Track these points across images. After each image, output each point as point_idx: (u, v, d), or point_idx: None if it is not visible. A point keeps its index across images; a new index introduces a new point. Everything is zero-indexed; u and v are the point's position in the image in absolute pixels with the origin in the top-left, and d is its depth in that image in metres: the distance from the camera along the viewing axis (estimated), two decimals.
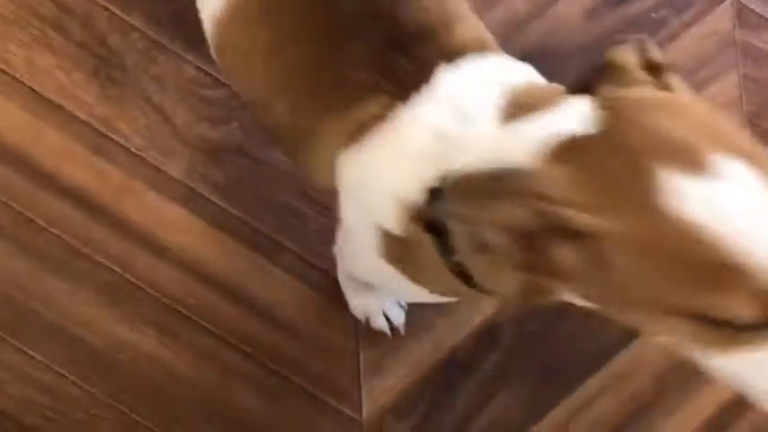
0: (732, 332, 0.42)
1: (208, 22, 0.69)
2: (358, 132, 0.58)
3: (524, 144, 0.46)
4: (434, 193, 0.51)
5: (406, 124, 0.56)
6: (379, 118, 0.57)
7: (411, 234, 0.57)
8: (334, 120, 0.60)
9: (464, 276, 0.54)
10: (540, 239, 0.42)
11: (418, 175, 0.54)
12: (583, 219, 0.41)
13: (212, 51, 0.71)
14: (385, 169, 0.58)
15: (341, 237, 0.77)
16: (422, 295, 0.66)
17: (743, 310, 0.40)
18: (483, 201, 0.44)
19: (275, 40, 0.63)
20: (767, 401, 0.46)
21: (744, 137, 0.43)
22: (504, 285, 0.50)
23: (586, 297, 0.46)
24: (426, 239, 0.53)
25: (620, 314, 0.47)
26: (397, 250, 0.61)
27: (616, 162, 0.42)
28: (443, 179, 0.50)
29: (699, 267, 0.40)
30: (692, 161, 0.41)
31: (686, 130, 0.42)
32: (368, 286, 0.91)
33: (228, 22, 0.65)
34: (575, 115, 0.46)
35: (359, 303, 1.00)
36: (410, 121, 0.56)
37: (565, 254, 0.42)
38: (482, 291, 0.55)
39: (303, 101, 0.63)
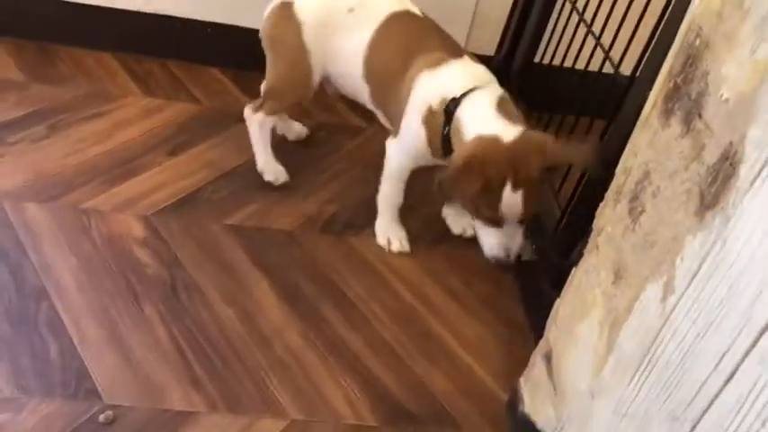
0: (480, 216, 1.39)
1: (355, 56, 1.54)
2: (432, 64, 1.45)
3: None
4: (454, 99, 1.40)
5: (455, 70, 1.45)
6: (443, 60, 1.46)
7: (438, 110, 1.42)
8: (421, 58, 1.47)
9: (444, 145, 1.43)
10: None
11: (455, 87, 1.42)
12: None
13: (361, 65, 1.54)
14: (445, 80, 1.44)
15: (404, 128, 1.50)
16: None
17: (485, 221, 1.38)
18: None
19: (391, 50, 1.52)
20: (486, 253, 1.44)
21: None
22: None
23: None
24: (441, 115, 1.42)
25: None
26: (430, 119, 1.44)
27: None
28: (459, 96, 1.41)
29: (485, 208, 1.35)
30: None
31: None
32: (395, 215, 1.65)
33: (370, 51, 1.53)
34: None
35: (385, 226, 1.64)
36: (458, 69, 1.46)
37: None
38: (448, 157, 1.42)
39: (407, 56, 1.49)
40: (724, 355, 0.74)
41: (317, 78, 1.61)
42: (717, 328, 0.76)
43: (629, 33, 1.40)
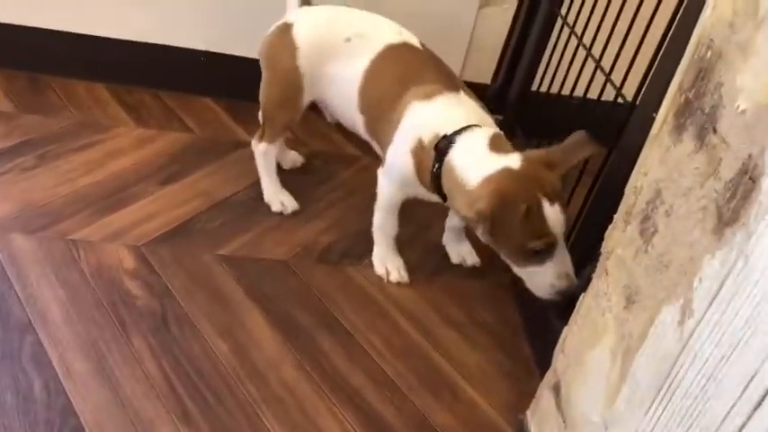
0: (531, 257, 1.29)
1: (350, 86, 1.51)
2: (425, 96, 1.41)
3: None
4: (446, 137, 1.36)
5: (449, 106, 1.41)
6: (437, 92, 1.42)
7: (429, 146, 1.38)
8: (415, 89, 1.43)
9: (435, 183, 1.38)
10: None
11: (448, 124, 1.37)
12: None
13: (356, 96, 1.52)
14: (438, 115, 1.40)
15: (390, 157, 1.46)
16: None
17: (538, 245, 1.26)
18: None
19: (386, 81, 1.48)
20: (532, 289, 1.35)
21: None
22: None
23: (483, 237, 1.30)
24: (432, 152, 1.37)
25: (492, 244, 1.33)
26: (419, 150, 1.40)
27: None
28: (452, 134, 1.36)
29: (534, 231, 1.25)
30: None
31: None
32: (391, 244, 1.61)
33: (365, 82, 1.50)
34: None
35: (382, 256, 1.60)
36: (452, 104, 1.42)
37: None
38: (441, 197, 1.40)
39: (402, 86, 1.44)
40: (751, 379, 0.69)
41: (305, 101, 1.59)
42: (742, 350, 0.71)
43: (630, 56, 1.37)
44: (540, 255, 1.28)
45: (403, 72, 1.46)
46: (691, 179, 0.84)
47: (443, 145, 1.35)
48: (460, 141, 1.34)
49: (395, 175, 1.47)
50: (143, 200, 1.65)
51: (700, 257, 0.80)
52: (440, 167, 1.35)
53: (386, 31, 1.53)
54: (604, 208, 1.23)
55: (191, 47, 2.00)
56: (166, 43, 1.99)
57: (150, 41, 1.98)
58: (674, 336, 0.83)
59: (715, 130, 0.80)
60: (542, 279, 1.31)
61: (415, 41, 1.53)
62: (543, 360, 1.44)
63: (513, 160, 1.29)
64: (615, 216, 1.03)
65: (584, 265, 1.37)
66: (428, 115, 1.40)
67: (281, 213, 1.70)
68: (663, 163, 0.91)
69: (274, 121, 1.64)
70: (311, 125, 1.97)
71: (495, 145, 1.33)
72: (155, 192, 1.69)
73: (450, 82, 1.44)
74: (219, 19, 1.96)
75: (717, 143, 0.80)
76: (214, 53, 2.01)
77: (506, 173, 1.27)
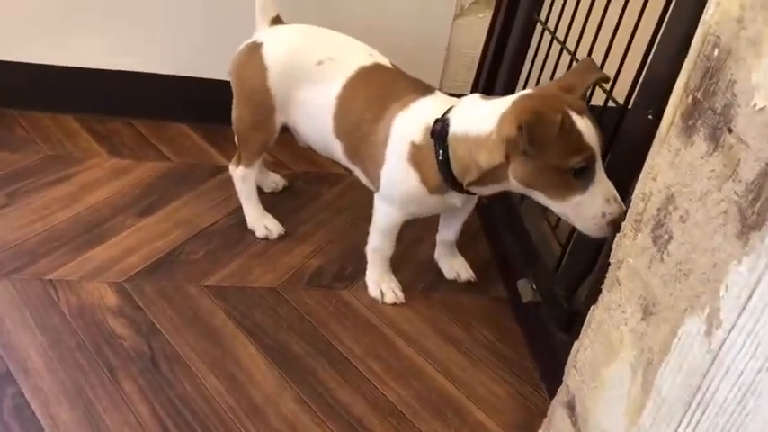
0: (572, 181, 1.17)
1: (323, 110, 1.47)
2: (405, 106, 1.37)
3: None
4: (437, 121, 1.31)
5: (429, 102, 1.38)
6: (415, 99, 1.38)
7: (424, 142, 1.33)
8: (396, 103, 1.38)
9: (444, 171, 1.31)
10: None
11: (434, 115, 1.32)
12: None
13: (330, 121, 1.46)
14: (422, 111, 1.35)
15: (387, 177, 1.40)
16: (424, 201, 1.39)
17: (578, 162, 1.15)
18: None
19: (362, 103, 1.43)
20: (583, 229, 1.21)
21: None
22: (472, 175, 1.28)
23: (518, 177, 1.21)
24: (431, 142, 1.32)
25: (530, 183, 1.21)
26: (416, 154, 1.34)
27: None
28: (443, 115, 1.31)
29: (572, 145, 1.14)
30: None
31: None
32: (386, 265, 1.56)
33: (339, 106, 1.45)
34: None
35: (376, 277, 1.55)
36: (431, 100, 1.38)
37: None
38: (453, 186, 1.33)
39: (380, 106, 1.40)
40: None
41: (279, 122, 1.54)
42: None
43: (618, 58, 1.34)
44: (581, 178, 1.16)
45: (379, 92, 1.41)
46: (706, 183, 0.80)
47: (439, 126, 1.30)
48: (454, 113, 1.30)
49: (396, 195, 1.41)
50: (122, 233, 1.59)
51: (724, 264, 0.76)
52: (445, 149, 1.29)
53: (357, 54, 1.48)
54: None
55: (161, 72, 1.94)
56: (136, 70, 1.93)
57: (118, 69, 1.92)
58: (702, 347, 0.79)
59: (730, 130, 0.77)
60: (591, 209, 1.17)
61: (386, 62, 1.48)
62: (549, 374, 1.40)
63: (525, 92, 1.25)
64: (623, 224, 0.99)
65: (584, 277, 1.33)
66: (412, 118, 1.35)
67: (266, 239, 1.64)
68: (673, 167, 0.87)
69: (249, 143, 1.58)
70: (290, 146, 1.91)
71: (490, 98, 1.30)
72: (133, 224, 1.62)
73: (426, 89, 1.40)
74: (189, 42, 1.91)
75: (734, 143, 0.76)
76: (186, 77, 1.95)
77: (527, 97, 1.22)
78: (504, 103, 1.23)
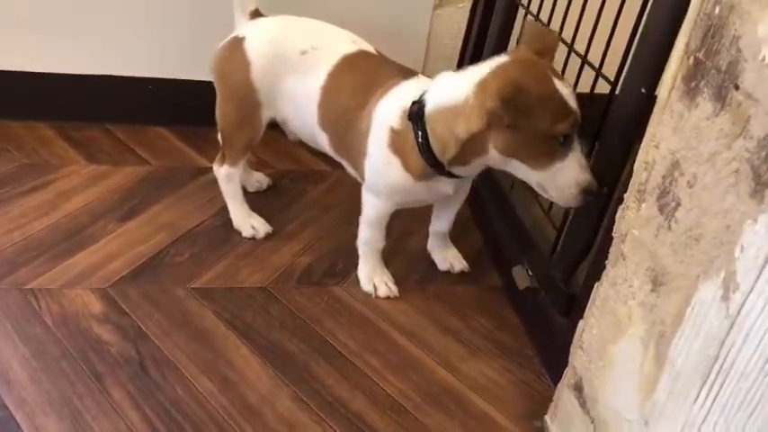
0: (556, 148, 1.15)
1: (309, 101, 1.42)
2: (387, 91, 1.33)
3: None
4: (414, 102, 1.27)
5: (408, 85, 1.33)
6: (395, 84, 1.34)
7: (402, 126, 1.29)
8: (379, 89, 1.35)
9: (426, 153, 1.27)
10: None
11: (410, 97, 1.28)
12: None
13: (316, 110, 1.42)
14: (401, 95, 1.31)
15: (371, 167, 1.36)
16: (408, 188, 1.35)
17: (566, 128, 1.13)
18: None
19: (348, 91, 1.39)
20: (557, 199, 1.21)
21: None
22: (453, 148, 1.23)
23: (498, 148, 1.19)
24: (409, 126, 1.28)
25: (512, 153, 1.19)
26: (396, 139, 1.30)
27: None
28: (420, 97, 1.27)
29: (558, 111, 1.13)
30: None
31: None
32: (378, 258, 1.52)
33: (324, 96, 1.41)
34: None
35: (368, 271, 1.51)
36: (411, 83, 1.33)
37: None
38: (437, 168, 1.29)
39: (364, 93, 1.37)
40: None
41: (265, 118, 1.50)
42: None
43: (605, 38, 1.32)
44: (564, 145, 1.15)
45: (363, 79, 1.38)
46: (714, 143, 0.78)
47: (415, 108, 1.26)
48: (430, 92, 1.26)
49: (381, 185, 1.37)
50: (103, 239, 1.53)
51: (738, 225, 0.74)
52: (424, 130, 1.25)
53: (341, 41, 1.45)
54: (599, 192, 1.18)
55: (137, 75, 1.89)
56: (110, 73, 1.87)
57: (92, 73, 1.86)
58: (719, 313, 0.76)
59: (737, 87, 0.74)
60: (568, 177, 1.16)
61: (370, 48, 1.46)
62: (550, 360, 1.37)
63: (499, 60, 1.22)
64: (625, 195, 0.96)
65: (582, 258, 1.31)
66: (391, 103, 1.32)
67: (253, 238, 1.60)
68: (677, 132, 0.84)
69: (234, 141, 1.54)
70: (274, 144, 1.87)
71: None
72: (115, 229, 1.57)
73: (409, 73, 1.37)
74: (163, 44, 1.86)
75: (742, 100, 0.74)
76: (162, 79, 1.91)
77: (507, 66, 1.19)
78: (478, 71, 1.21)
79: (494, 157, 1.21)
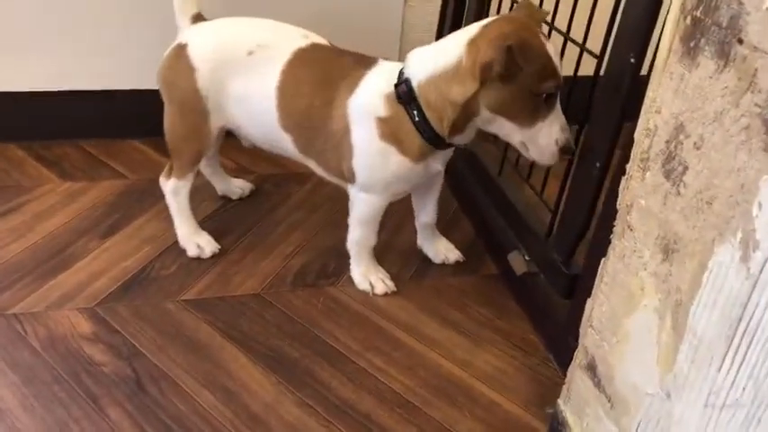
0: (540, 106, 1.18)
1: (264, 102, 1.36)
2: (355, 84, 1.30)
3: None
4: (398, 84, 1.26)
5: (376, 74, 1.31)
6: (361, 76, 1.31)
7: (390, 112, 1.27)
8: (344, 85, 1.31)
9: (425, 130, 1.26)
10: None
11: (387, 83, 1.28)
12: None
13: (274, 112, 1.36)
14: (376, 84, 1.29)
15: (360, 169, 1.33)
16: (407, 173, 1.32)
17: (551, 86, 1.16)
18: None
19: (309, 87, 1.34)
20: (537, 157, 1.24)
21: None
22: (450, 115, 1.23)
23: (489, 105, 1.20)
24: (399, 109, 1.27)
25: (501, 109, 1.20)
26: (386, 128, 1.28)
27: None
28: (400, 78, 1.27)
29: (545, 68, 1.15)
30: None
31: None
32: (371, 256, 1.48)
33: (282, 88, 1.35)
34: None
35: (363, 270, 1.48)
36: (380, 70, 1.32)
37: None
38: (437, 143, 1.29)
39: (325, 89, 1.32)
40: None
41: (215, 128, 1.43)
42: None
43: (587, 13, 1.31)
44: (548, 103, 1.19)
45: (324, 74, 1.33)
46: (720, 101, 0.76)
47: (402, 88, 1.25)
48: (410, 69, 1.26)
49: (378, 179, 1.33)
50: (86, 257, 1.48)
51: (753, 182, 0.72)
52: (418, 106, 1.24)
53: (291, 36, 1.38)
54: (587, 176, 1.17)
55: (102, 88, 1.84)
56: (76, 88, 1.82)
57: (57, 89, 1.81)
58: (739, 275, 0.74)
59: (741, 41, 0.73)
60: (550, 135, 1.20)
61: (323, 41, 1.40)
62: (555, 344, 1.35)
63: (487, 20, 1.23)
64: (627, 165, 0.94)
65: (580, 238, 1.29)
66: (367, 95, 1.28)
67: (198, 258, 1.51)
68: (679, 94, 0.82)
69: (182, 153, 1.46)
70: (251, 150, 1.83)
71: None
72: (98, 246, 1.52)
73: (370, 61, 1.34)
74: (128, 55, 1.81)
75: (747, 53, 0.72)
76: (129, 91, 1.86)
77: (494, 22, 1.20)
78: (465, 33, 1.21)
79: (483, 116, 1.22)
